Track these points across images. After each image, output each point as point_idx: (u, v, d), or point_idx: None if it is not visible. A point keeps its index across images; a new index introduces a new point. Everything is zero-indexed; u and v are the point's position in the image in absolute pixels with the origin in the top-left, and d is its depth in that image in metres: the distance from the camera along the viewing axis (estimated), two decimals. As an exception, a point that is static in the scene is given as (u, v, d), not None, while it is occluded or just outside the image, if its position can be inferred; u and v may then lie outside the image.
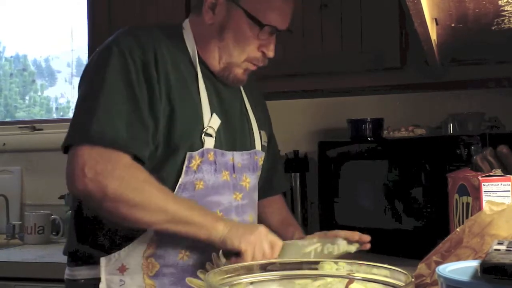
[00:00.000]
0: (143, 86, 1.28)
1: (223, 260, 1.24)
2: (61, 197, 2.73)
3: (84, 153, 1.22)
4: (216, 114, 1.38)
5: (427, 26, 1.34)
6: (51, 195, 2.81)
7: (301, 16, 2.22)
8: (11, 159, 3.03)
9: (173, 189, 1.30)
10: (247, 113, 1.52)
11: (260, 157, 1.51)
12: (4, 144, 3.04)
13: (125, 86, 1.27)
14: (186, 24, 1.43)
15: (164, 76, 1.31)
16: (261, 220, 1.60)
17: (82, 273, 1.37)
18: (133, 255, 1.31)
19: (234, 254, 1.22)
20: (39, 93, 3.46)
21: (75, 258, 1.39)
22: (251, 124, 1.51)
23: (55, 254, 2.34)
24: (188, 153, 1.32)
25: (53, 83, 3.53)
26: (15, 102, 3.43)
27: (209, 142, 1.35)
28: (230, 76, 1.41)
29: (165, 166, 1.31)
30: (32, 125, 3.05)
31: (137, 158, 1.26)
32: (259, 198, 1.60)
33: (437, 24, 1.49)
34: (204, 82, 1.39)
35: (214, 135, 1.36)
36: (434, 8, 1.35)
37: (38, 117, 3.32)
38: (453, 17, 1.44)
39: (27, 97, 3.47)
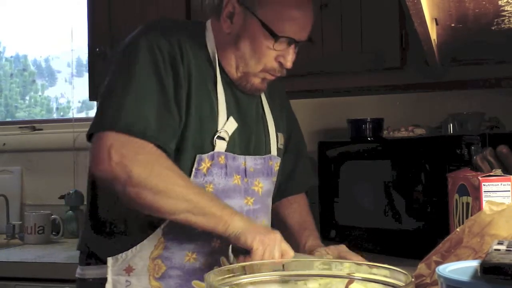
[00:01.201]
0: (171, 79, 1.28)
1: (231, 256, 1.23)
2: (61, 197, 2.73)
3: (110, 137, 1.21)
4: (233, 117, 1.37)
5: (427, 26, 1.34)
6: (51, 195, 2.82)
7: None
8: (11, 159, 3.03)
9: None
10: (264, 116, 1.50)
11: (276, 163, 1.49)
12: (4, 144, 3.04)
13: (154, 78, 1.26)
14: (209, 25, 1.41)
15: (188, 72, 1.30)
16: (279, 221, 1.59)
17: (91, 272, 1.38)
18: (140, 256, 1.31)
19: (243, 253, 1.21)
20: (39, 93, 3.46)
21: (86, 256, 1.40)
22: (268, 128, 1.49)
23: (55, 254, 2.35)
24: (198, 156, 1.31)
25: (53, 83, 3.53)
26: (15, 102, 3.43)
27: (221, 145, 1.34)
28: (248, 85, 1.40)
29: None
30: (32, 125, 3.05)
31: (163, 149, 1.26)
32: (280, 197, 1.60)
33: (437, 24, 1.49)
34: (223, 84, 1.38)
35: (227, 138, 1.35)
36: (434, 8, 1.35)
37: (38, 117, 3.32)
38: (453, 17, 1.44)
39: (27, 97, 3.47)
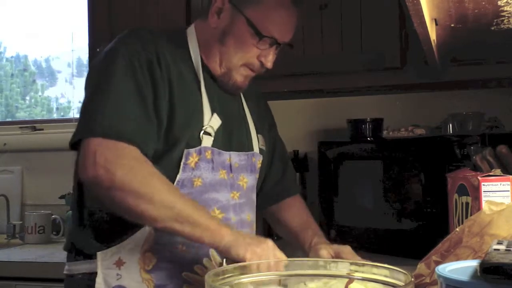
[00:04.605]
0: (149, 83, 1.30)
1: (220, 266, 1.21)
2: (62, 197, 2.73)
3: (94, 143, 1.23)
4: (217, 114, 1.40)
5: (426, 27, 1.34)
6: (52, 195, 2.82)
7: (301, 16, 2.22)
8: (11, 159, 3.03)
9: None
10: (245, 116, 1.54)
11: (258, 160, 1.52)
12: (5, 144, 3.04)
13: (132, 84, 1.29)
14: (191, 29, 1.46)
15: (167, 75, 1.33)
16: (281, 225, 1.61)
17: (80, 267, 1.38)
18: (130, 250, 1.31)
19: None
20: (40, 93, 3.46)
21: (74, 252, 1.40)
22: (249, 128, 1.53)
23: (55, 253, 2.35)
24: (186, 150, 1.33)
25: (53, 83, 3.53)
26: (16, 102, 3.43)
27: (207, 141, 1.36)
28: (230, 82, 1.43)
29: (162, 161, 1.31)
30: (32, 125, 3.06)
31: (143, 153, 1.26)
32: (275, 201, 1.63)
33: (436, 24, 1.50)
34: (206, 84, 1.41)
35: (213, 134, 1.38)
36: (434, 8, 1.36)
37: (38, 117, 3.33)
38: (453, 17, 1.44)
39: (27, 97, 3.48)
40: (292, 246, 1.26)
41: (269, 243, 1.21)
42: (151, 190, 1.21)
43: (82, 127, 1.28)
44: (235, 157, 1.43)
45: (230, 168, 1.42)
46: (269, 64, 1.42)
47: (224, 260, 1.21)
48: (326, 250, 1.40)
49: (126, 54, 1.31)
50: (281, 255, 1.21)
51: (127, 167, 1.21)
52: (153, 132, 1.30)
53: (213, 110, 1.39)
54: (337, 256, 1.37)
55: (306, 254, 1.46)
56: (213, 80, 1.44)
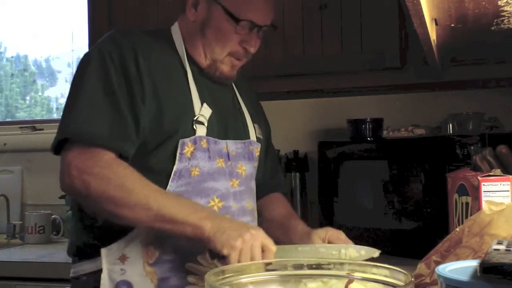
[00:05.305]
0: (123, 85, 1.31)
1: (209, 260, 1.23)
2: (62, 197, 2.73)
3: (68, 152, 1.26)
4: (207, 104, 1.41)
5: (426, 27, 1.34)
6: (52, 195, 2.81)
7: (301, 16, 2.22)
8: (11, 159, 3.03)
9: (168, 176, 1.32)
10: (240, 107, 1.55)
11: (256, 148, 1.53)
12: (5, 144, 3.04)
13: (103, 86, 1.30)
14: (175, 26, 1.48)
15: (147, 75, 1.34)
16: (265, 215, 1.62)
17: (85, 267, 1.38)
18: (133, 244, 1.32)
19: (220, 257, 1.19)
20: (40, 93, 3.46)
21: (78, 254, 1.41)
22: (245, 117, 1.55)
23: (55, 253, 2.35)
24: (181, 140, 1.34)
25: (53, 83, 3.54)
26: (16, 102, 3.43)
27: (201, 130, 1.37)
28: (217, 73, 1.45)
29: (158, 154, 1.33)
30: (32, 125, 3.06)
31: (120, 155, 1.28)
32: (262, 195, 1.63)
33: (436, 24, 1.50)
34: (194, 77, 1.42)
35: (205, 123, 1.39)
36: (434, 8, 1.36)
37: (38, 117, 3.33)
38: (453, 17, 1.44)
39: (27, 97, 3.48)
40: (274, 239, 1.26)
41: (254, 232, 1.20)
42: (125, 194, 1.23)
43: (58, 133, 1.30)
44: (232, 145, 1.44)
45: (228, 156, 1.43)
46: (252, 49, 1.42)
47: (207, 253, 1.22)
48: (317, 235, 1.42)
49: (99, 54, 1.33)
50: (267, 243, 1.21)
51: (100, 175, 1.23)
52: (130, 133, 1.30)
53: (202, 100, 1.40)
54: (329, 241, 1.40)
55: (291, 242, 1.46)
56: (201, 72, 1.45)
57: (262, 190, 1.63)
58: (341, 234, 1.43)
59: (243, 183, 1.46)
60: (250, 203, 1.48)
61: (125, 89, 1.31)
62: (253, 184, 1.53)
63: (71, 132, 1.26)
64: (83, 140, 1.26)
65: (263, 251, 1.20)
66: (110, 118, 1.28)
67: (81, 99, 1.29)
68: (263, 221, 1.60)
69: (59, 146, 1.29)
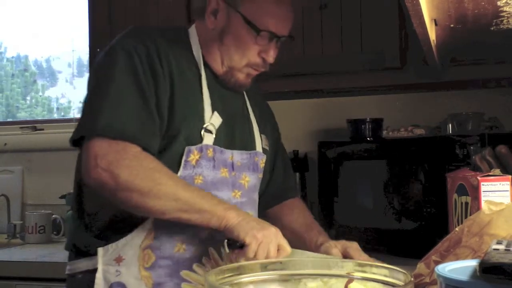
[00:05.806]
0: (150, 80, 1.31)
1: (226, 250, 1.24)
2: (62, 197, 2.73)
3: (95, 144, 1.25)
4: (218, 112, 1.40)
5: (426, 27, 1.34)
6: (52, 194, 2.82)
7: (301, 16, 2.22)
8: (12, 159, 3.03)
9: None
10: (249, 116, 1.54)
11: (261, 159, 1.52)
12: (6, 144, 3.05)
13: (132, 81, 1.30)
14: (193, 29, 1.47)
15: (168, 70, 1.34)
16: (284, 228, 1.59)
17: (81, 265, 1.38)
18: (130, 246, 1.32)
19: (238, 247, 1.22)
20: (40, 93, 3.47)
21: (75, 252, 1.41)
22: (252, 126, 1.54)
23: (56, 253, 2.35)
24: (187, 147, 1.34)
25: (54, 83, 3.54)
26: (16, 102, 3.43)
27: (209, 139, 1.37)
28: (232, 80, 1.44)
29: (163, 158, 1.32)
30: (33, 125, 3.06)
31: (146, 150, 1.28)
32: (278, 202, 1.63)
33: (436, 24, 1.50)
34: (208, 83, 1.42)
35: (214, 132, 1.38)
36: (433, 9, 1.36)
37: (39, 117, 3.33)
38: (452, 17, 1.44)
39: (28, 97, 3.48)
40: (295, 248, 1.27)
41: (274, 230, 1.25)
42: (155, 185, 1.24)
43: (83, 126, 1.30)
44: (237, 156, 1.44)
45: (232, 166, 1.42)
46: (271, 59, 1.42)
47: (226, 241, 1.24)
48: (336, 248, 1.39)
49: (126, 50, 1.32)
50: (283, 243, 1.24)
51: (129, 167, 1.24)
52: (155, 129, 1.31)
53: (214, 108, 1.40)
54: (344, 253, 1.37)
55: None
56: (215, 78, 1.44)
57: (276, 196, 1.62)
58: (358, 252, 1.37)
59: (245, 194, 1.45)
60: (251, 215, 1.47)
61: (152, 85, 1.31)
62: (255, 196, 1.52)
63: (101, 126, 1.25)
64: (112, 134, 1.25)
65: (278, 250, 1.23)
66: (140, 113, 1.29)
67: (112, 93, 1.28)
68: (281, 229, 1.61)
69: (79, 139, 1.28)
